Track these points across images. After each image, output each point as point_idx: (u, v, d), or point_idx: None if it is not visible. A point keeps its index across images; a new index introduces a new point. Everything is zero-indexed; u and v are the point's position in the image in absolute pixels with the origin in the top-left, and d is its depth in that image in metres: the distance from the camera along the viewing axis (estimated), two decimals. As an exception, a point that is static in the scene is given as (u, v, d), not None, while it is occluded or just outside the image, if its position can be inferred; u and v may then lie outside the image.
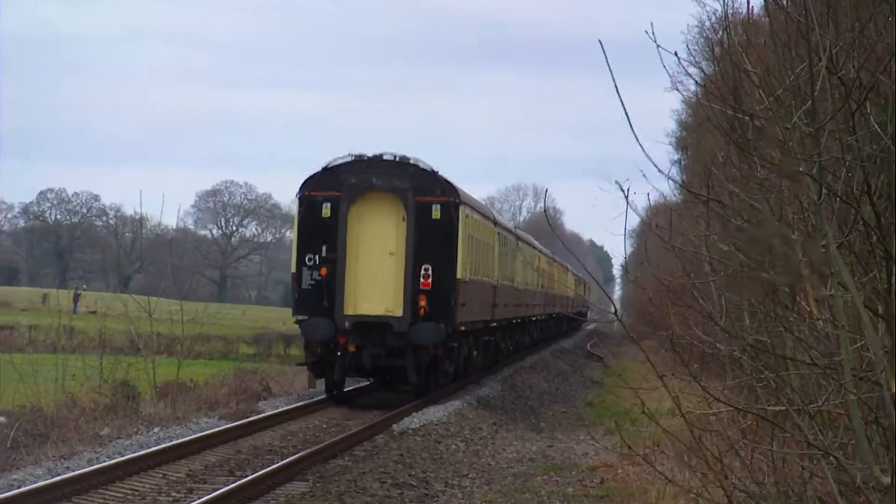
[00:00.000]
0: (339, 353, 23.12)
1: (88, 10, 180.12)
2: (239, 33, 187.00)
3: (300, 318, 23.48)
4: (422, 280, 23.25)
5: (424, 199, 23.58)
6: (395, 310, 23.26)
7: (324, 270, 23.21)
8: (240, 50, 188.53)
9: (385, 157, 24.13)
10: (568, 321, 63.96)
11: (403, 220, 23.51)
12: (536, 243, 44.84)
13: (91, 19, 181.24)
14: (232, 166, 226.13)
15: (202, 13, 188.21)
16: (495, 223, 30.95)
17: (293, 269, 23.75)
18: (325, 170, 23.95)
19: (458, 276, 23.91)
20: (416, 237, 23.34)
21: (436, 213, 23.52)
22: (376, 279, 23.44)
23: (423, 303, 23.14)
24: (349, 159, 24.02)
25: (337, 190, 23.48)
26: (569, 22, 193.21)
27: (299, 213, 23.94)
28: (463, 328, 25.55)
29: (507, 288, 32.45)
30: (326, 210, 23.42)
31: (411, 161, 24.20)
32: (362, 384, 27.28)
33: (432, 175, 24.07)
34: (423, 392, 24.45)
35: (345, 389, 25.11)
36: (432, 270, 23.34)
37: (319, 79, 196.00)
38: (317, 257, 23.31)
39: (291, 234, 25.09)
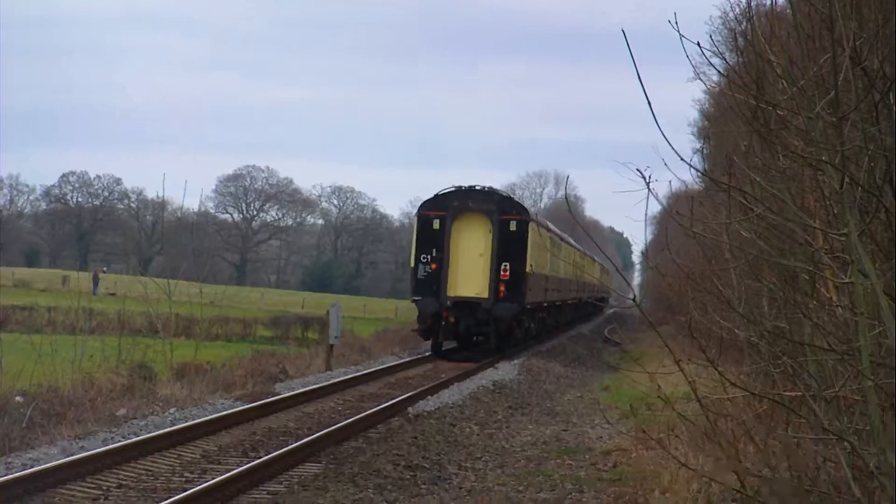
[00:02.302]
0: (442, 323, 32.81)
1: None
2: (261, 22, 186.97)
3: (416, 298, 32.94)
4: (502, 273, 32.79)
5: (505, 217, 33.24)
6: (482, 293, 32.73)
7: (433, 265, 32.74)
8: (260, 38, 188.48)
9: (477, 188, 34.30)
10: (592, 305, 71.43)
11: (490, 231, 33.15)
12: (572, 241, 53.41)
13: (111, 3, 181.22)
14: (254, 152, 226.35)
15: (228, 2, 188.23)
16: (548, 230, 40.97)
17: (412, 265, 33.43)
18: (436, 196, 33.94)
19: (527, 270, 33.40)
20: (498, 243, 32.89)
21: (513, 227, 33.15)
22: (470, 272, 32.86)
23: (502, 288, 32.74)
24: (452, 189, 34.08)
25: (444, 210, 33.12)
26: (582, 12, 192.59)
27: (417, 225, 33.68)
28: (528, 307, 35.55)
29: (554, 278, 42.47)
30: (436, 224, 32.97)
31: (496, 190, 35.34)
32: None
33: (510, 199, 35.48)
34: (501, 350, 33.86)
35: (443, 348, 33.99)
36: (509, 266, 32.88)
37: (340, 69, 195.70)
38: (428, 256, 32.85)
39: (410, 238, 35.31)
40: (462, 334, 33.58)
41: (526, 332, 37.46)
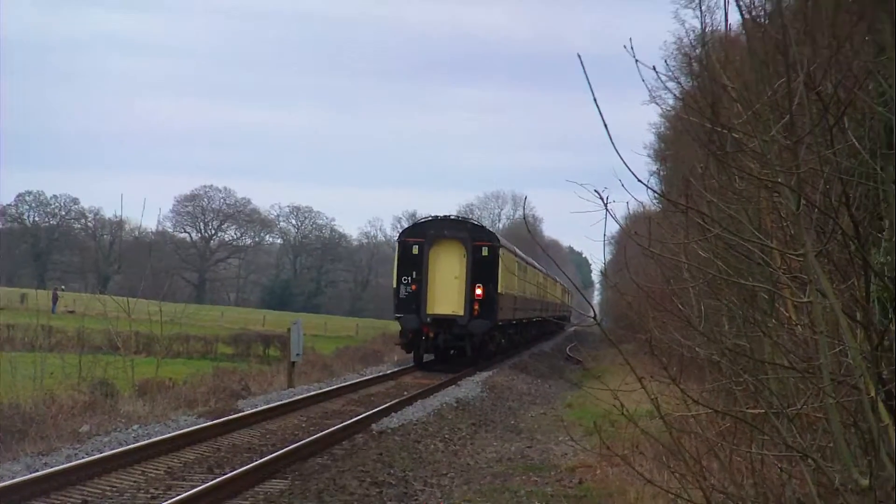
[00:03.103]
0: (422, 338, 36.41)
1: (62, 16, 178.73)
2: (215, 44, 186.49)
3: (399, 315, 36.50)
4: (476, 293, 36.25)
5: (478, 243, 36.66)
6: (458, 311, 36.17)
7: (413, 286, 35.99)
8: (216, 60, 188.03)
9: (452, 217, 38.80)
10: (554, 323, 74.46)
11: (464, 256, 36.46)
12: (536, 264, 57.38)
13: (64, 25, 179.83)
14: (211, 172, 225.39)
15: (178, 22, 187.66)
16: (515, 255, 44.42)
17: (394, 285, 36.79)
18: (415, 225, 39.21)
19: (499, 291, 36.92)
20: (472, 267, 36.28)
21: (485, 252, 36.53)
22: (447, 292, 36.26)
23: (476, 307, 36.18)
24: (430, 218, 38.59)
25: (421, 237, 36.59)
26: (539, 38, 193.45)
27: (398, 251, 37.08)
28: (500, 323, 39.28)
29: (521, 298, 46.10)
30: (415, 250, 36.25)
31: (469, 219, 42.31)
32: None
33: (482, 228, 40.05)
34: (475, 362, 37.47)
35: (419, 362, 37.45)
36: (482, 287, 36.27)
37: (295, 91, 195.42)
38: (409, 278, 36.07)
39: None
40: (441, 347, 36.95)
41: (497, 346, 41.94)
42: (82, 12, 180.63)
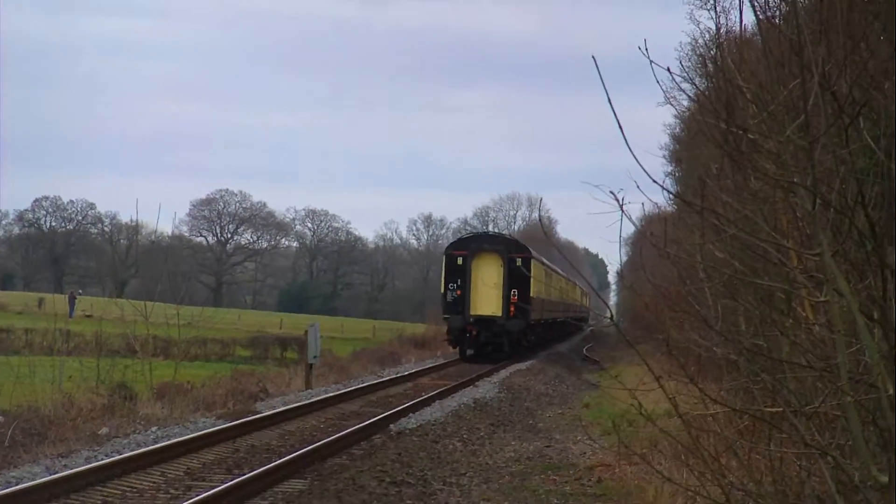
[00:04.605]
0: (467, 335, 42.73)
1: (76, 20, 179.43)
2: (230, 46, 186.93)
3: (446, 316, 42.91)
4: (512, 297, 42.21)
5: (513, 255, 42.78)
6: (497, 312, 42.28)
7: (458, 292, 42.34)
8: (231, 63, 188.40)
9: (490, 233, 51.59)
10: (573, 324, 79.69)
11: (501, 266, 42.56)
12: (559, 270, 63.22)
13: (76, 29, 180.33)
14: (227, 176, 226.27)
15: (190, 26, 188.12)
16: (543, 264, 51.35)
17: (442, 290, 43.48)
18: (459, 240, 47.35)
19: (531, 295, 43.60)
20: (508, 275, 42.23)
21: (519, 263, 41.94)
22: (487, 296, 42.29)
23: (512, 309, 42.10)
24: (471, 234, 49.59)
25: (465, 250, 43.30)
26: (552, 38, 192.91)
27: (445, 262, 43.48)
28: (532, 323, 46.36)
29: (548, 301, 53.23)
30: (460, 261, 42.69)
31: (505, 234, 53.91)
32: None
33: (516, 241, 47.70)
34: (511, 356, 42.94)
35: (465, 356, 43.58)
36: (517, 292, 42.29)
37: (311, 93, 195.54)
38: (454, 285, 42.45)
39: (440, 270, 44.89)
40: (482, 343, 42.85)
41: (529, 343, 48.53)
42: (94, 17, 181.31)
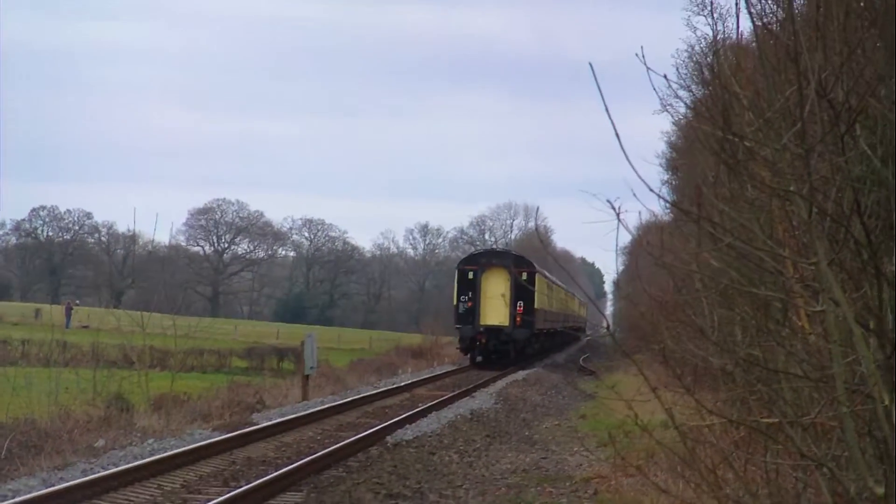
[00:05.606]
0: (477, 343, 46.32)
1: (73, 27, 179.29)
2: (226, 53, 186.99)
3: (458, 325, 46.60)
4: (518, 308, 46.23)
5: (519, 269, 46.87)
6: (504, 322, 45.90)
7: (469, 303, 45.96)
8: (228, 70, 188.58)
9: (498, 249, 55.16)
10: (571, 334, 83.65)
11: (507, 280, 45.96)
12: (559, 282, 66.20)
13: (74, 36, 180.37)
14: (224, 185, 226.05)
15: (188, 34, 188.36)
16: (546, 277, 54.59)
17: (454, 302, 47.03)
18: (470, 255, 52.29)
19: (536, 306, 47.82)
20: (514, 288, 45.73)
21: (524, 277, 46.09)
22: (495, 307, 45.70)
23: (518, 319, 46.12)
24: (481, 250, 55.44)
25: (475, 265, 47.39)
26: (546, 45, 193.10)
27: (457, 276, 47.40)
28: (536, 332, 49.82)
29: (550, 311, 56.76)
30: (470, 275, 46.58)
31: (511, 251, 58.13)
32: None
33: (521, 257, 51.75)
34: (517, 362, 46.89)
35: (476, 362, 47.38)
36: (523, 304, 46.31)
37: (306, 102, 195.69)
38: (466, 297, 46.18)
39: (454, 286, 48.35)
40: (490, 350, 46.51)
41: (533, 350, 52.66)
42: (91, 23, 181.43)
